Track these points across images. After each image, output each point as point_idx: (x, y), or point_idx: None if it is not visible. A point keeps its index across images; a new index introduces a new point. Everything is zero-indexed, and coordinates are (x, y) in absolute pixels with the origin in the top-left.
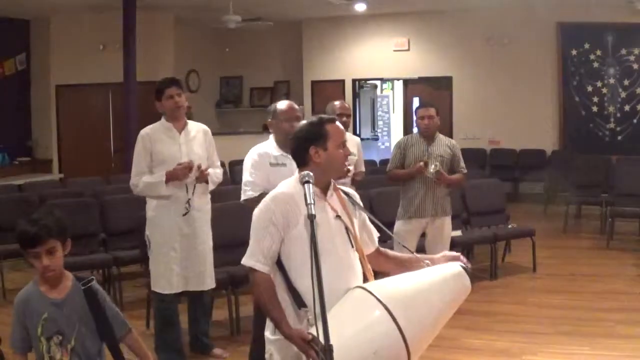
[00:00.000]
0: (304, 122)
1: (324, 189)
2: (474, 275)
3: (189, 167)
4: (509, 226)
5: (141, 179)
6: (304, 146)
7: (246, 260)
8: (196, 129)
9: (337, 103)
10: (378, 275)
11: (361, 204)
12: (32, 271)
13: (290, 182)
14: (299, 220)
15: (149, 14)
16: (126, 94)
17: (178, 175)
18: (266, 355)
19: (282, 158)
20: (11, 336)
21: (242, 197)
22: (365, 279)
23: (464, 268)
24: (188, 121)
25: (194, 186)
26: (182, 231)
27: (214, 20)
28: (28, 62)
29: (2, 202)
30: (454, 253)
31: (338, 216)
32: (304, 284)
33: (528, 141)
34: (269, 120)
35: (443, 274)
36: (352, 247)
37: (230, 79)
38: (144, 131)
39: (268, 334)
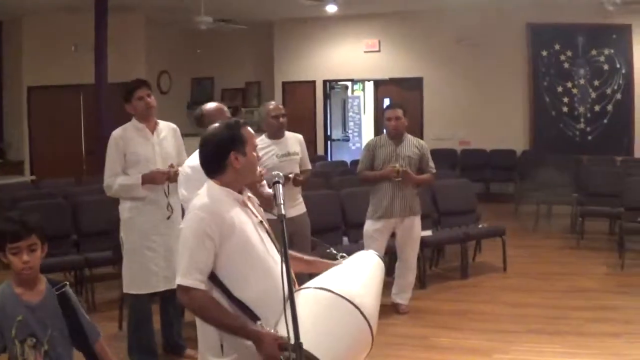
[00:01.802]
0: (215, 125)
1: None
2: (445, 275)
3: (167, 174)
4: (480, 226)
5: (115, 180)
6: (223, 151)
7: (183, 280)
8: (166, 128)
9: (271, 105)
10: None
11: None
12: (5, 273)
13: (205, 193)
14: (233, 231)
15: (120, 15)
16: (98, 95)
17: (156, 179)
18: None
19: None
20: None
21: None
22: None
23: (377, 255)
24: (158, 121)
25: (168, 187)
26: (160, 231)
27: (185, 22)
28: (0, 63)
29: None
30: None
31: (261, 221)
32: (251, 295)
33: (498, 141)
34: (198, 127)
35: (370, 263)
36: (277, 250)
37: (202, 80)
38: (116, 132)
39: (214, 357)
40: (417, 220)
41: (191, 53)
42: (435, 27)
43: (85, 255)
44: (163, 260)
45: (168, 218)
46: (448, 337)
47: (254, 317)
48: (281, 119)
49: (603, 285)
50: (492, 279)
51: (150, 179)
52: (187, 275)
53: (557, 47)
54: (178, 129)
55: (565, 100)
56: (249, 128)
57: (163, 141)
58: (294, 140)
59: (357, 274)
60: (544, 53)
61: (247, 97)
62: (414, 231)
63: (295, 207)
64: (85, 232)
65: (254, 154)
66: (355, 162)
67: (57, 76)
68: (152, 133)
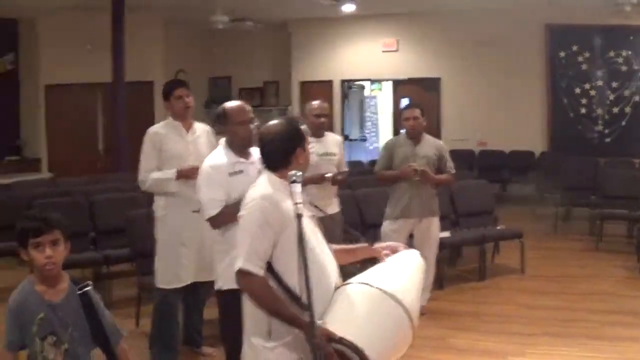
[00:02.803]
0: (276, 121)
1: None
2: (463, 276)
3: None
4: (498, 227)
5: (150, 175)
6: (290, 146)
7: (245, 265)
8: (201, 128)
9: (314, 103)
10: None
11: None
12: (23, 269)
13: (267, 184)
14: (290, 222)
15: (137, 14)
16: (115, 94)
17: (189, 174)
18: None
19: (239, 165)
20: (6, 337)
21: (205, 217)
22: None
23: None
24: (194, 121)
25: None
26: (193, 227)
27: (202, 21)
28: (17, 62)
29: None
30: (390, 243)
31: (312, 215)
32: (301, 285)
33: (517, 143)
34: (219, 125)
35: (414, 262)
36: (326, 243)
37: (219, 79)
38: (153, 129)
39: (261, 341)
40: (435, 221)
41: (208, 52)
42: (453, 27)
43: (103, 253)
44: (195, 254)
45: (198, 211)
46: (464, 339)
47: (303, 307)
48: (322, 119)
49: (621, 289)
50: (510, 281)
51: (184, 174)
52: (249, 261)
53: (574, 48)
54: (212, 131)
55: (584, 101)
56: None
57: (197, 140)
58: (333, 141)
59: (401, 272)
60: (562, 54)
61: (265, 96)
62: (432, 232)
63: (330, 205)
64: (103, 230)
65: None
66: (372, 163)
67: (74, 75)
68: (187, 132)
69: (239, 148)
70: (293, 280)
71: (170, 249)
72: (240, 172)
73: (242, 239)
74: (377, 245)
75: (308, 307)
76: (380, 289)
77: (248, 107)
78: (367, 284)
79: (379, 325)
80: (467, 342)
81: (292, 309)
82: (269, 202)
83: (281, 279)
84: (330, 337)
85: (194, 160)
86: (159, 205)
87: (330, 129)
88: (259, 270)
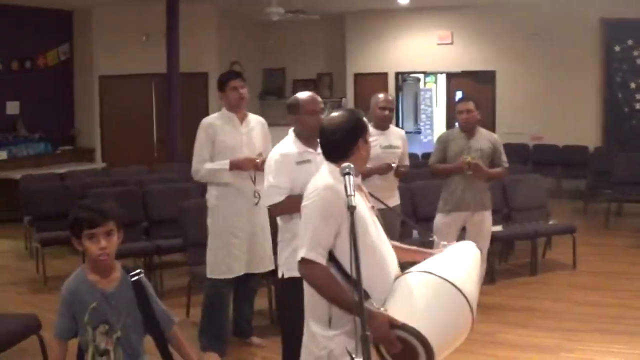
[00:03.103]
0: (338, 113)
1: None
2: (514, 271)
3: (253, 162)
4: (550, 222)
5: (203, 165)
6: (352, 138)
7: (307, 254)
8: (255, 120)
9: (381, 96)
10: None
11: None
12: (75, 258)
13: (328, 175)
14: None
15: (192, 6)
16: (169, 84)
17: (242, 165)
18: (321, 353)
19: (307, 154)
20: (57, 325)
21: (268, 203)
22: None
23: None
24: (248, 113)
25: (255, 175)
26: (245, 218)
27: (257, 13)
28: (71, 53)
29: (45, 191)
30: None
31: (372, 207)
32: (363, 274)
33: (571, 137)
34: (290, 115)
35: (471, 253)
36: (386, 235)
37: (273, 71)
38: (207, 120)
39: (321, 329)
40: (487, 215)
41: (262, 44)
42: (508, 20)
43: (155, 242)
44: (246, 245)
45: (256, 204)
46: (515, 334)
47: (365, 295)
48: (386, 112)
49: None
50: (561, 277)
51: (237, 165)
52: (311, 250)
53: (630, 42)
54: (266, 123)
55: (638, 96)
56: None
57: (251, 132)
58: (397, 135)
59: (460, 262)
60: (617, 48)
61: (319, 88)
62: (485, 226)
63: (392, 197)
64: (156, 220)
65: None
66: (426, 155)
67: (128, 65)
68: (241, 123)
69: (307, 138)
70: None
71: (222, 239)
72: (308, 161)
73: (305, 229)
74: (433, 251)
75: (363, 296)
76: (441, 277)
77: (319, 98)
78: (427, 272)
79: (440, 313)
80: (517, 337)
81: (352, 297)
82: (331, 192)
83: (343, 268)
84: (392, 324)
85: (248, 151)
86: (212, 195)
87: None
88: (321, 259)
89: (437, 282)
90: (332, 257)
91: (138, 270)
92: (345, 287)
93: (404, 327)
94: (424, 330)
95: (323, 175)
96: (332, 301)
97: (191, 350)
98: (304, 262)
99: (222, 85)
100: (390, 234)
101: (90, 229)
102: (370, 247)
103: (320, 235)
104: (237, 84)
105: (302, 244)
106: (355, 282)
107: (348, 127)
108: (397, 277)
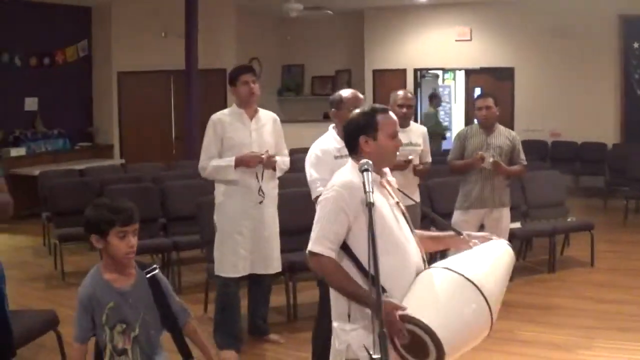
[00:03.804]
0: (356, 111)
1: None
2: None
3: (259, 158)
4: (568, 219)
5: (210, 162)
6: (354, 135)
7: (313, 247)
8: (266, 116)
9: (400, 93)
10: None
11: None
12: (93, 255)
13: (349, 170)
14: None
15: (211, 2)
16: (188, 81)
17: (247, 161)
18: (340, 347)
19: (344, 150)
20: (75, 328)
21: (314, 194)
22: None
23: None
24: (259, 109)
25: (262, 173)
26: (251, 216)
27: (275, 9)
28: (90, 49)
29: (63, 187)
30: (482, 233)
31: (397, 202)
32: (384, 271)
33: (589, 134)
34: (332, 110)
35: (501, 252)
36: (412, 231)
37: (292, 67)
38: (216, 116)
39: (341, 324)
40: (505, 212)
41: (281, 40)
42: (526, 17)
43: (172, 239)
44: (251, 245)
45: (260, 203)
46: (532, 331)
47: (382, 291)
48: (405, 110)
49: None
50: (579, 274)
51: (243, 162)
52: (318, 243)
53: None
54: (278, 119)
55: None
56: (391, 114)
57: (262, 128)
58: (417, 132)
59: (486, 261)
60: (636, 45)
61: (337, 84)
62: (503, 223)
63: (412, 195)
64: (173, 216)
65: (390, 140)
66: (445, 152)
67: (146, 61)
68: (251, 120)
69: None
70: (367, 262)
71: (228, 237)
72: (347, 156)
73: (315, 223)
74: (467, 233)
75: (380, 290)
76: (462, 275)
77: (360, 95)
78: (448, 268)
79: (455, 310)
80: (535, 334)
81: (362, 288)
82: (347, 189)
83: (359, 262)
84: (401, 316)
85: (257, 148)
86: (219, 192)
87: None
88: (328, 251)
89: (455, 279)
90: (349, 252)
91: (153, 266)
92: (352, 278)
93: (412, 320)
94: (434, 325)
95: (343, 172)
96: (340, 291)
97: (208, 342)
98: (310, 254)
99: (233, 79)
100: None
101: (123, 226)
102: (391, 244)
103: (328, 230)
104: (249, 78)
105: (311, 238)
106: (373, 278)
107: (351, 124)
108: (419, 273)
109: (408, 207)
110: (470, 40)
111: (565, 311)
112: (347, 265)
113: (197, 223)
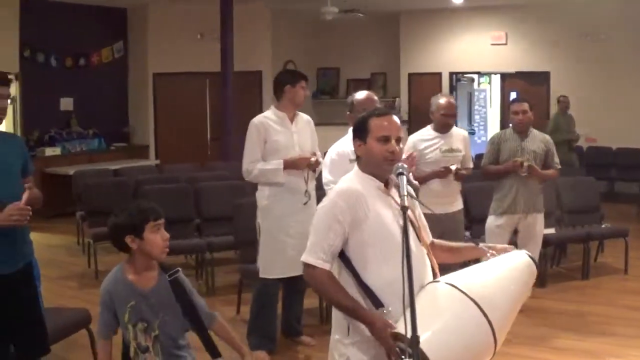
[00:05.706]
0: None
1: (385, 184)
2: (566, 274)
3: (308, 160)
4: (603, 226)
5: (255, 165)
6: (353, 139)
7: (307, 258)
8: (304, 119)
9: (442, 101)
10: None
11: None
12: (126, 255)
13: (351, 176)
14: (368, 216)
15: (246, 5)
16: (223, 83)
17: (297, 164)
18: None
19: None
20: (99, 323)
21: None
22: (434, 273)
23: (529, 257)
24: (297, 112)
25: (308, 174)
26: (298, 217)
27: (311, 12)
28: (125, 50)
29: (98, 186)
30: (504, 245)
31: (404, 211)
32: (378, 281)
33: (625, 140)
34: (347, 113)
35: (516, 264)
36: (420, 241)
37: (327, 70)
38: (257, 119)
39: (340, 337)
40: (540, 218)
41: (316, 43)
42: (562, 20)
43: (206, 239)
44: (299, 246)
45: (305, 204)
46: (565, 338)
47: (378, 304)
48: (449, 120)
49: None
50: (613, 281)
51: (292, 164)
52: (312, 254)
53: None
54: (312, 121)
55: None
56: (389, 118)
57: (301, 131)
58: (459, 138)
59: (497, 275)
60: None
61: (373, 87)
62: (537, 228)
63: (454, 203)
64: (208, 217)
65: (376, 143)
66: (480, 156)
67: (182, 63)
68: (292, 122)
69: None
70: (366, 274)
71: (275, 239)
72: None
73: (311, 233)
74: (484, 245)
75: (382, 304)
76: (465, 293)
77: (375, 97)
78: (452, 284)
79: (451, 329)
80: (567, 341)
81: (354, 301)
82: (342, 198)
83: (356, 273)
84: (392, 334)
85: (300, 150)
86: (263, 195)
87: None
88: (321, 263)
89: (457, 297)
90: (346, 262)
91: (175, 269)
92: (345, 291)
93: (404, 339)
94: (425, 347)
95: (346, 178)
96: (332, 304)
97: (238, 338)
98: (305, 265)
99: (294, 81)
100: (452, 238)
101: (156, 220)
102: (390, 252)
103: (321, 240)
104: (305, 85)
105: (306, 248)
106: (407, 291)
107: (352, 128)
108: (424, 286)
109: (443, 217)
110: (506, 44)
111: (598, 318)
112: (345, 277)
113: (233, 225)
